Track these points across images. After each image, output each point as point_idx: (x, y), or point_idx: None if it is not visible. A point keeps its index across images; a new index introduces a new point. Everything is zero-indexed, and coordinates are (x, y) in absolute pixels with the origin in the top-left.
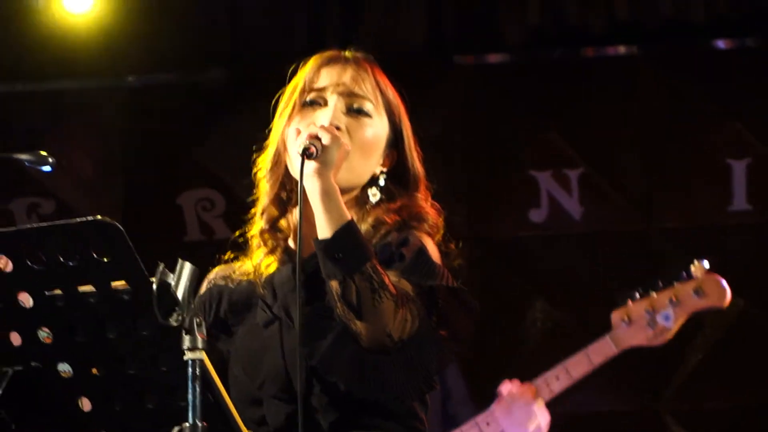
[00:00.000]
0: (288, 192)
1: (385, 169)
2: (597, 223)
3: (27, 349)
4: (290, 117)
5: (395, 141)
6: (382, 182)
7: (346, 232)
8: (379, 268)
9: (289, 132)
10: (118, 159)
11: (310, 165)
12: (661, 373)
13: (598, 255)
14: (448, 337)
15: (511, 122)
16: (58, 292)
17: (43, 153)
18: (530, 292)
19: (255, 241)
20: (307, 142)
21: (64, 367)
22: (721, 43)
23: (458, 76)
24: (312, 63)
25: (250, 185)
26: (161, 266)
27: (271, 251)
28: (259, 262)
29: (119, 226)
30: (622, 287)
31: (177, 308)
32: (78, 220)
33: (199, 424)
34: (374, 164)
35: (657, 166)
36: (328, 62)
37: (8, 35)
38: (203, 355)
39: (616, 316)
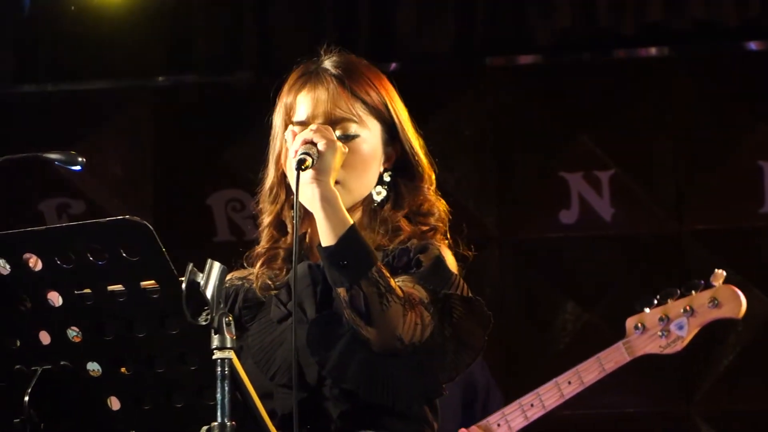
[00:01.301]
0: (290, 206)
1: (388, 166)
2: (628, 225)
3: (56, 348)
4: (281, 151)
5: (391, 136)
6: (387, 178)
7: (349, 239)
8: (384, 271)
9: (286, 136)
10: (148, 159)
11: (307, 173)
12: (693, 374)
13: (629, 257)
14: (461, 346)
15: (541, 124)
16: (87, 291)
17: (73, 152)
18: (560, 294)
19: (257, 260)
20: (302, 150)
21: (93, 366)
22: (752, 45)
23: (489, 79)
24: (290, 85)
25: None
26: (190, 266)
27: (270, 266)
28: (262, 278)
29: (149, 225)
30: (652, 289)
31: (206, 308)
32: (107, 219)
33: (228, 424)
34: (375, 173)
35: (688, 167)
36: (303, 85)
37: (40, 35)
38: (232, 355)
39: (630, 322)
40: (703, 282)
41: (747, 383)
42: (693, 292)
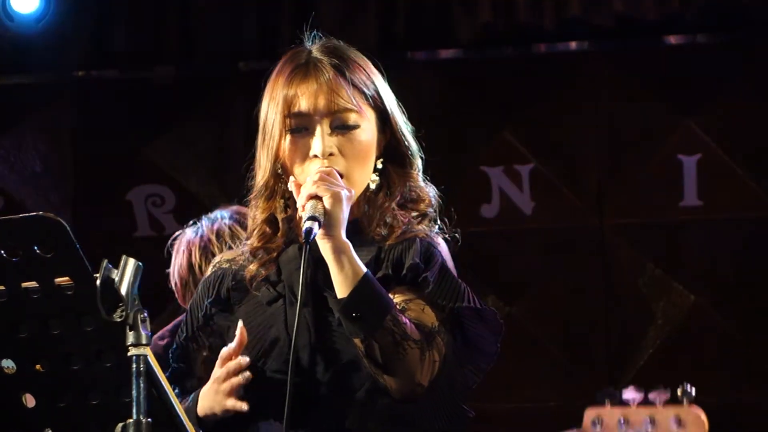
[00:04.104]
0: (284, 206)
1: (379, 153)
2: (548, 219)
3: None
4: (279, 145)
5: (383, 123)
6: (380, 165)
7: (361, 290)
8: (399, 318)
9: (290, 188)
10: (68, 155)
11: (318, 231)
12: (617, 366)
13: (549, 251)
14: (475, 353)
15: (462, 118)
16: (1, 288)
17: None
18: (482, 288)
19: (249, 256)
20: (308, 214)
21: (7, 363)
22: (672, 40)
23: (411, 73)
24: (285, 76)
25: (200, 182)
26: (105, 262)
27: (263, 265)
28: (254, 273)
29: (63, 222)
30: (572, 284)
31: (120, 304)
32: (21, 216)
33: (143, 421)
34: (373, 161)
35: (609, 162)
36: (302, 77)
37: None
38: (147, 351)
39: (589, 414)
40: (669, 394)
41: (667, 376)
42: (657, 404)
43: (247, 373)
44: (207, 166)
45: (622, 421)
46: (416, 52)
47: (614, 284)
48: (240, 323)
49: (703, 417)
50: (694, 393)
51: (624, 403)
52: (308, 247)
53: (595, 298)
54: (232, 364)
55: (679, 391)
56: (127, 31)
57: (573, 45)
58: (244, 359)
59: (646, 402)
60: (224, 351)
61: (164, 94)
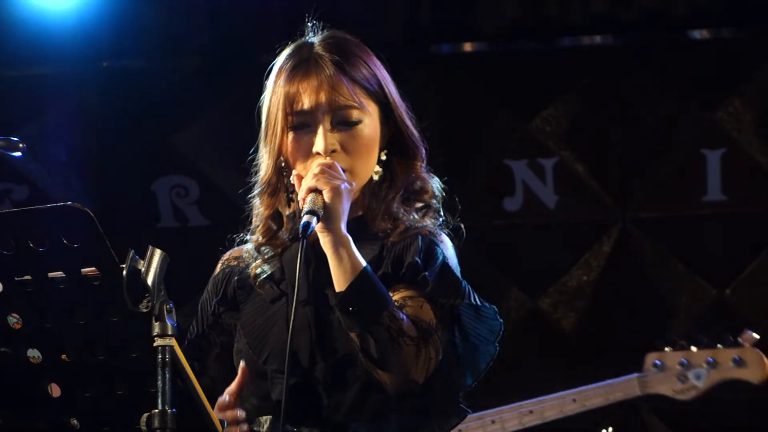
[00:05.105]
0: (288, 200)
1: (383, 145)
2: (571, 213)
3: None
4: (281, 142)
5: (386, 115)
6: (383, 157)
7: (360, 285)
8: (396, 314)
9: (292, 180)
10: (92, 145)
11: (316, 225)
12: (640, 360)
13: (572, 244)
14: (473, 351)
15: (486, 112)
16: (27, 278)
17: (14, 139)
18: (504, 282)
19: (255, 253)
20: (307, 208)
21: (33, 353)
22: (698, 34)
23: (435, 66)
24: (286, 73)
25: (225, 172)
26: (131, 252)
27: (267, 261)
28: (259, 271)
29: (89, 211)
30: (596, 276)
31: (147, 295)
32: (48, 205)
33: (169, 411)
34: (376, 154)
35: (632, 156)
36: (303, 74)
37: None
38: (173, 342)
39: (650, 358)
40: (731, 338)
41: None
42: (719, 345)
43: (245, 427)
44: (232, 157)
45: (684, 362)
46: (441, 45)
47: (637, 278)
48: (242, 363)
49: (764, 358)
50: (756, 338)
51: (684, 348)
52: (305, 241)
53: (618, 293)
54: (229, 416)
55: (741, 336)
56: (153, 21)
57: (598, 39)
58: (241, 414)
59: (708, 345)
60: (221, 400)
61: (190, 84)
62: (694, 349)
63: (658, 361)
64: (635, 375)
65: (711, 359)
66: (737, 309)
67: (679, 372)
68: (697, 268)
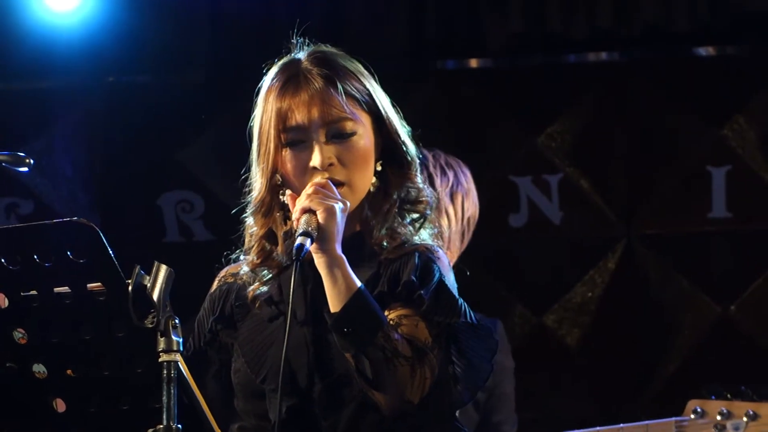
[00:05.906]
0: (283, 219)
1: (377, 156)
2: (577, 229)
3: (1, 350)
4: (275, 160)
5: (378, 126)
6: (378, 168)
7: (354, 305)
8: (391, 334)
9: (286, 201)
10: (98, 159)
11: (309, 246)
12: (644, 377)
13: (577, 261)
14: (469, 369)
15: (491, 127)
16: (33, 292)
17: (21, 154)
18: (509, 298)
19: (251, 273)
20: (301, 230)
21: (38, 368)
22: (702, 51)
23: (440, 81)
24: (276, 90)
25: (230, 188)
26: (137, 268)
27: (266, 282)
28: (258, 293)
29: (95, 227)
30: (601, 292)
31: (152, 310)
32: (54, 221)
33: (173, 426)
34: (372, 165)
35: (638, 172)
36: (293, 90)
37: None
38: (178, 357)
39: (691, 404)
40: None
41: (694, 387)
42: (762, 400)
43: None
44: (237, 172)
45: (725, 411)
46: (446, 60)
47: (642, 295)
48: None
49: None
50: None
51: (727, 398)
52: (299, 264)
53: (623, 309)
54: None
55: None
56: (158, 36)
57: (603, 55)
58: None
59: (752, 398)
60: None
61: (195, 99)
62: (736, 401)
63: (699, 408)
64: (674, 419)
65: (752, 411)
66: (742, 326)
67: (718, 422)
68: (702, 284)
